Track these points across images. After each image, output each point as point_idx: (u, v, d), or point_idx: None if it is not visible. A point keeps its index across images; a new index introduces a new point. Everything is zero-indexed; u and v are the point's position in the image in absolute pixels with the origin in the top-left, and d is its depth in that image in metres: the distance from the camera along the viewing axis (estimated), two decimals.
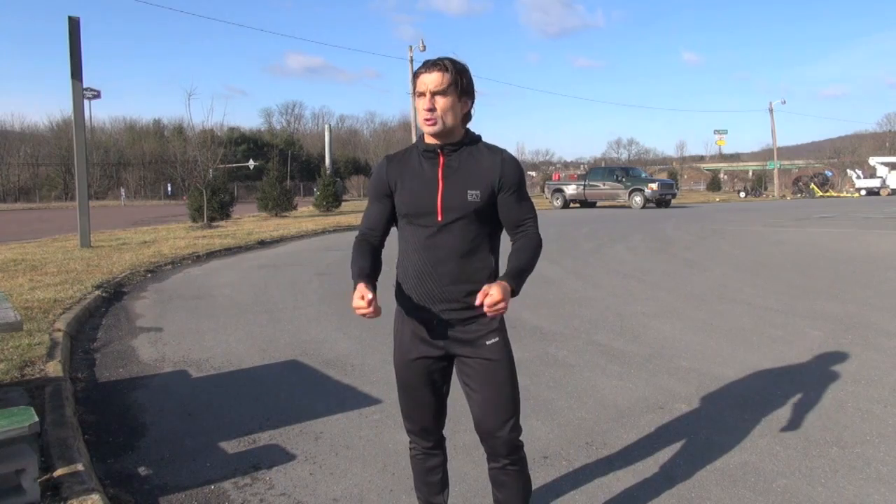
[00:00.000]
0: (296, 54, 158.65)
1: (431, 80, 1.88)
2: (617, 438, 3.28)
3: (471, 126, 2.03)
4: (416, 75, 1.93)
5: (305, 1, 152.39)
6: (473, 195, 1.90)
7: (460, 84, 1.90)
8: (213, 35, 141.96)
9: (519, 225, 1.99)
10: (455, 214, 1.91)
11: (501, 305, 1.78)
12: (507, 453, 2.03)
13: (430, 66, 1.90)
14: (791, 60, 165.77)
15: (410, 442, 2.19)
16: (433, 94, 1.88)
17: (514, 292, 1.87)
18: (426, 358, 2.02)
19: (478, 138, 2.01)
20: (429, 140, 1.96)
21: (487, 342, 1.96)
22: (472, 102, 1.97)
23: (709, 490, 2.72)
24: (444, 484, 2.21)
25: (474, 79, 1.97)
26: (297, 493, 2.75)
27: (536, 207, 2.07)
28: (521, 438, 2.05)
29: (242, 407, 3.81)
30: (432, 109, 1.88)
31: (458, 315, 1.95)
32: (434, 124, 1.89)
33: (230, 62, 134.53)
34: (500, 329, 2.00)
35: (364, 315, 1.87)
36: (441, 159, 1.94)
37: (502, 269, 1.98)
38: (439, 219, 1.92)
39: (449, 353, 2.01)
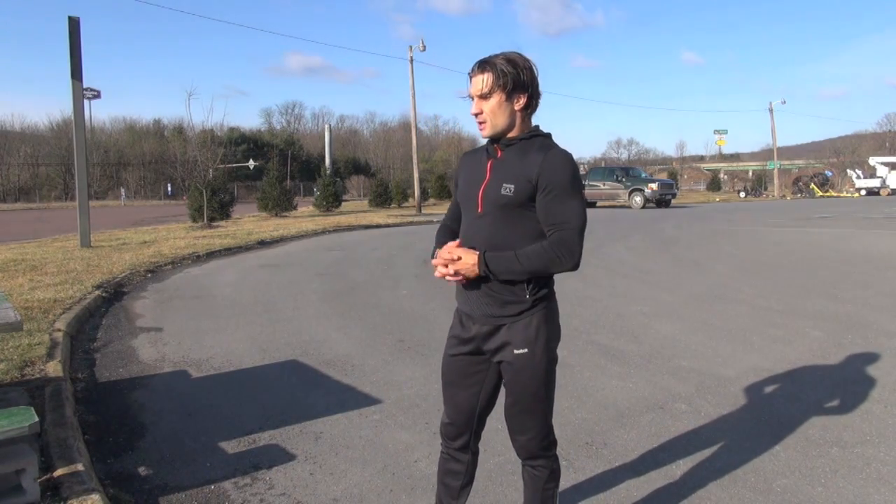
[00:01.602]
0: (296, 54, 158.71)
1: (475, 83, 1.89)
2: (617, 438, 3.28)
3: None
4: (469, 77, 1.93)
5: (305, 1, 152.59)
6: (507, 189, 1.87)
7: (508, 82, 1.86)
8: (213, 35, 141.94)
9: (549, 228, 1.86)
10: (490, 207, 1.90)
11: (449, 269, 1.88)
12: (524, 457, 2.06)
13: (474, 68, 1.90)
14: (791, 60, 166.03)
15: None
16: (478, 97, 1.89)
17: (490, 269, 1.85)
18: (463, 356, 2.03)
19: (538, 133, 1.94)
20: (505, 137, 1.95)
21: (515, 351, 1.93)
22: (530, 94, 1.89)
23: (709, 490, 2.72)
24: (461, 491, 2.17)
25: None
26: (297, 493, 2.75)
27: None
28: (546, 451, 2.04)
29: (242, 407, 3.81)
30: (479, 113, 1.90)
31: (491, 311, 1.93)
32: (484, 128, 1.91)
33: (230, 62, 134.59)
34: (536, 339, 1.94)
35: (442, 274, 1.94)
36: (498, 153, 1.94)
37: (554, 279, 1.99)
38: (479, 210, 1.93)
39: (484, 352, 2.00)
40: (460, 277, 1.91)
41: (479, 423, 2.12)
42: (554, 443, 2.07)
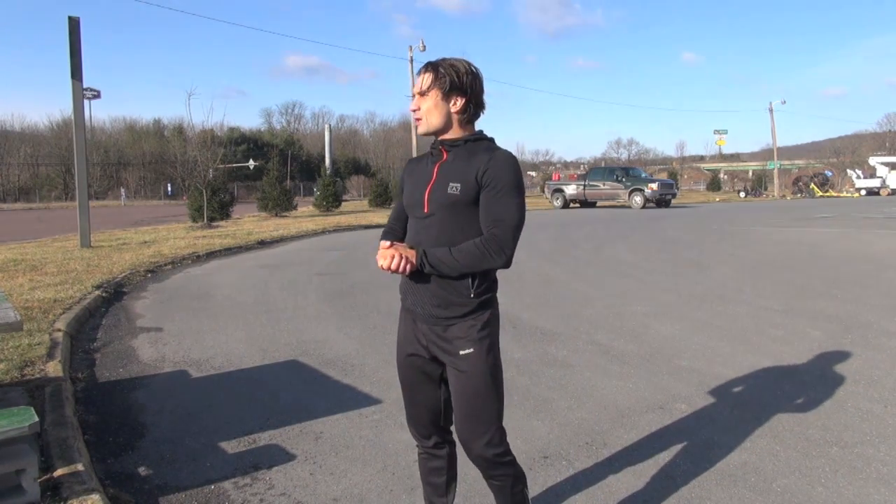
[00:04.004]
0: (296, 55, 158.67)
1: (417, 82, 1.97)
2: (617, 438, 3.28)
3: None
4: None
5: (305, 1, 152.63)
6: (454, 188, 1.89)
7: (445, 83, 1.91)
8: (213, 35, 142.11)
9: (486, 225, 1.88)
10: (436, 206, 1.93)
11: (395, 261, 1.84)
12: (483, 467, 2.00)
13: (420, 68, 1.98)
14: (791, 60, 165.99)
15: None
16: (418, 94, 1.96)
17: (427, 260, 1.86)
18: (417, 356, 2.03)
19: (483, 137, 1.99)
20: (441, 138, 1.98)
21: (461, 352, 1.92)
22: (469, 99, 1.93)
23: (709, 490, 2.72)
24: (448, 486, 2.18)
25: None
26: (297, 493, 2.75)
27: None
28: (503, 457, 1.98)
29: (242, 407, 3.81)
30: (416, 110, 1.97)
31: (437, 312, 1.94)
32: (419, 125, 1.99)
33: (230, 62, 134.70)
34: (481, 339, 1.92)
35: (388, 260, 1.87)
36: (444, 155, 1.97)
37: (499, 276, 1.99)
38: (425, 210, 1.95)
39: (434, 356, 1.99)
40: (404, 263, 1.86)
41: (445, 419, 2.12)
42: (509, 447, 2.01)
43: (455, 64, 1.93)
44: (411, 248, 1.92)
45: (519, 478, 2.06)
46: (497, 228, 1.85)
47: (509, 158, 1.91)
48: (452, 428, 2.15)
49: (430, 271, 1.88)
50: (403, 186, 2.09)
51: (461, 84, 1.91)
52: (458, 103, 1.93)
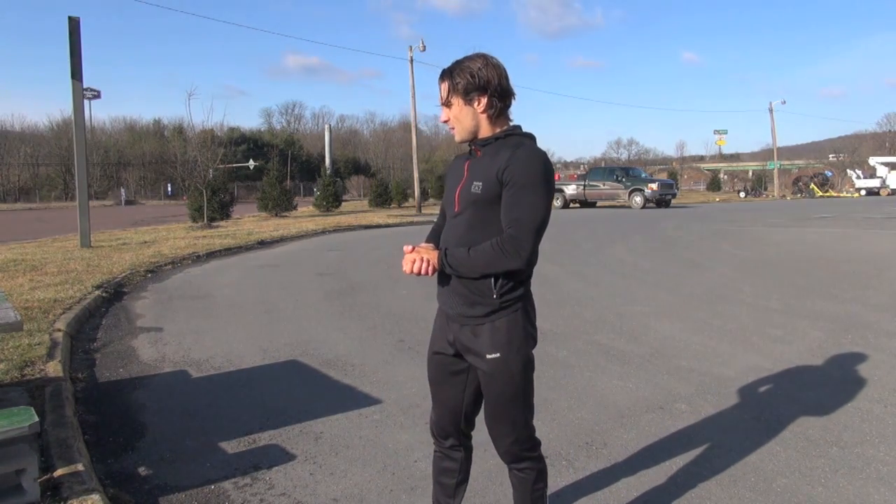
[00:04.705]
0: (295, 54, 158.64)
1: (440, 92, 1.95)
2: (617, 438, 3.28)
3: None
4: None
5: (305, 1, 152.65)
6: (476, 186, 1.88)
7: (461, 87, 1.88)
8: (213, 35, 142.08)
9: (505, 224, 1.84)
10: (463, 205, 1.92)
11: (416, 265, 1.87)
12: (508, 461, 2.05)
13: (438, 79, 1.95)
14: (791, 60, 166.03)
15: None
16: (443, 106, 1.94)
17: (448, 262, 1.87)
18: (443, 354, 2.04)
19: (514, 133, 1.93)
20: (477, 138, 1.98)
21: (488, 356, 1.91)
22: (490, 94, 1.88)
23: (709, 490, 2.72)
24: (457, 488, 2.18)
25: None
26: (297, 493, 2.75)
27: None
28: (531, 451, 2.03)
29: (242, 407, 3.81)
30: (447, 121, 1.96)
31: (463, 310, 1.93)
32: (455, 133, 1.97)
33: (230, 62, 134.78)
34: (509, 343, 1.90)
35: (409, 264, 1.90)
36: (478, 153, 1.96)
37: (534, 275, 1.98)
38: (455, 209, 1.95)
39: (461, 355, 2.00)
40: (426, 266, 1.88)
41: (466, 423, 2.11)
42: (538, 443, 2.06)
43: (468, 65, 1.89)
44: (436, 249, 1.93)
45: (541, 474, 2.08)
46: (513, 229, 1.81)
47: (533, 155, 1.83)
48: (472, 433, 2.17)
49: (451, 272, 1.88)
50: (445, 185, 2.10)
51: (477, 83, 1.87)
52: (481, 102, 1.89)
